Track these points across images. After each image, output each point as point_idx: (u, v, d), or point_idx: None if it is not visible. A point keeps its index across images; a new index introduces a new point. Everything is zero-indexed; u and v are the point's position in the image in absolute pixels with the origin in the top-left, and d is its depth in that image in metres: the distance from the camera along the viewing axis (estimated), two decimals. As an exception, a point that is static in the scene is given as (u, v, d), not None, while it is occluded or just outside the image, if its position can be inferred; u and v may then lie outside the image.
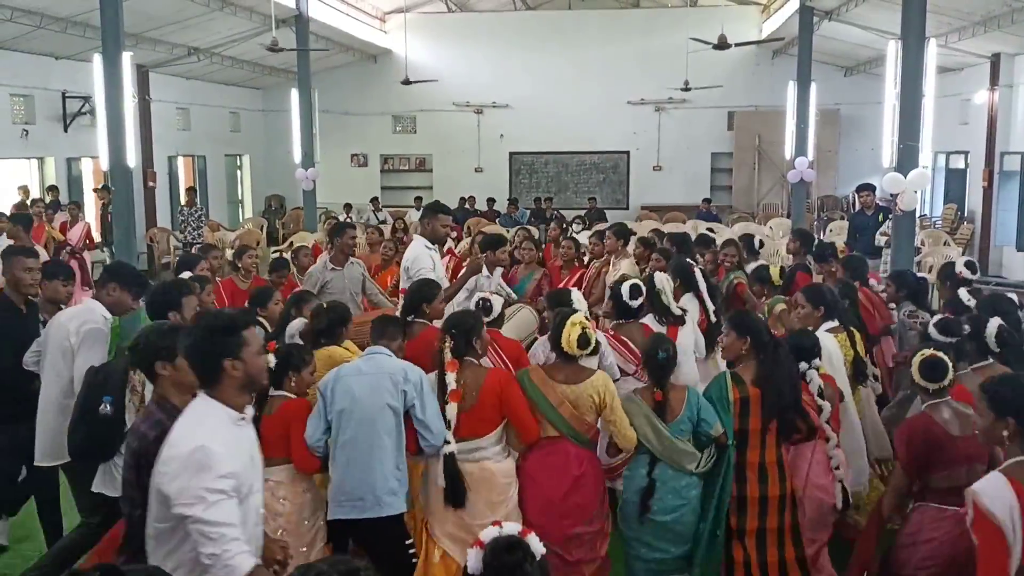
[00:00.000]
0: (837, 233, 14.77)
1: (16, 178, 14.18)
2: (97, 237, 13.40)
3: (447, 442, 4.13)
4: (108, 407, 4.14)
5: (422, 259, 6.10)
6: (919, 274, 7.45)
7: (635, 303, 5.43)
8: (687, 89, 18.28)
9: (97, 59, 10.00)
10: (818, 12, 15.58)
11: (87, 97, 14.19)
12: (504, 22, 22.39)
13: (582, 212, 18.67)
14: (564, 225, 11.65)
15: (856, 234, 10.81)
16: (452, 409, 4.15)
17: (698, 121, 21.35)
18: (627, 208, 21.58)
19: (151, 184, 17.27)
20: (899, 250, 9.43)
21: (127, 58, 10.02)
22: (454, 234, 11.18)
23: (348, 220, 14.98)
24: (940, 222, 17.39)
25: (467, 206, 19.85)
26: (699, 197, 20.06)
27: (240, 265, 7.56)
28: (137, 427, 3.32)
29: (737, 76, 20.37)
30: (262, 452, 3.28)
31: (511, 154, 22.31)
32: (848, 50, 18.43)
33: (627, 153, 22.05)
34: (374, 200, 19.79)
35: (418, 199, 20.10)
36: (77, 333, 4.50)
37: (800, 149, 15.57)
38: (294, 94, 16.52)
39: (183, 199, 16.26)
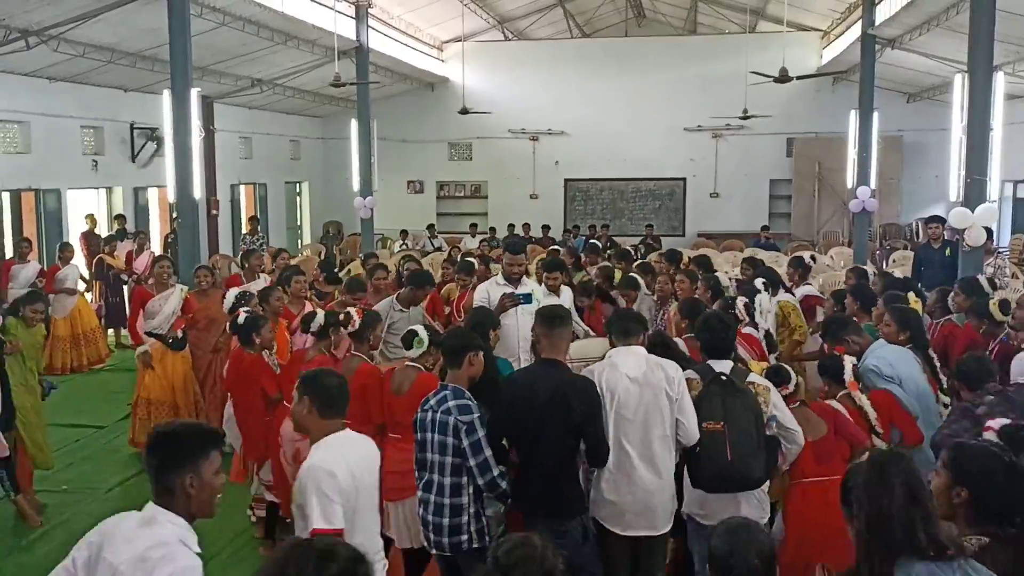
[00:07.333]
0: (900, 263, 14.40)
1: (85, 207, 14.56)
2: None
3: None
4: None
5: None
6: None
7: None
8: (746, 117, 18.08)
9: (166, 94, 10.25)
10: (880, 40, 15.32)
11: (154, 128, 14.59)
12: (560, 49, 22.54)
13: (637, 239, 18.58)
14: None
15: (921, 267, 10.50)
16: None
17: (756, 148, 21.13)
18: (683, 235, 21.41)
19: (214, 212, 17.64)
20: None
21: (194, 93, 10.26)
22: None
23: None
24: (1008, 252, 16.88)
25: (524, 233, 19.90)
26: (757, 224, 19.81)
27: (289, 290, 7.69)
28: None
29: (797, 102, 20.10)
30: None
31: (566, 181, 22.34)
32: (911, 77, 18.08)
33: (683, 180, 21.91)
34: (430, 227, 19.96)
35: (473, 225, 20.23)
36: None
37: (862, 178, 15.26)
38: (354, 124, 16.75)
39: (245, 227, 16.52)
